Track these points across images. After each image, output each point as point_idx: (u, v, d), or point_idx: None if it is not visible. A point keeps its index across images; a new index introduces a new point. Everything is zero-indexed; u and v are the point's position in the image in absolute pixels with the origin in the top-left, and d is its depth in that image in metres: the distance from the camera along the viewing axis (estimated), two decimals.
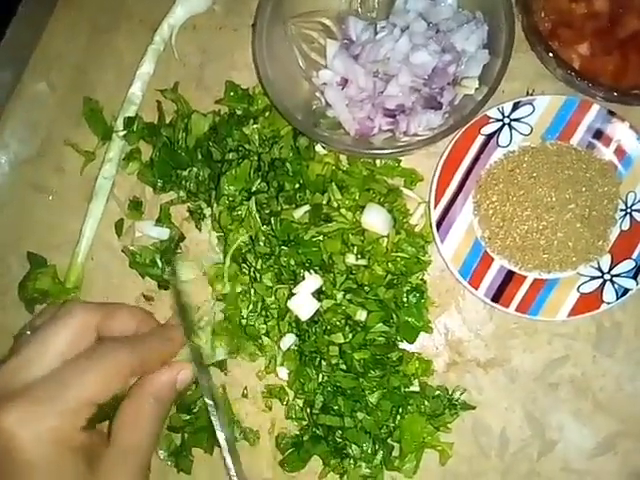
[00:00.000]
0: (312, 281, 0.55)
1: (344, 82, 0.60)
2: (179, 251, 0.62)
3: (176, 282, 0.59)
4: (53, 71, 0.69)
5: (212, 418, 0.52)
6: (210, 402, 0.52)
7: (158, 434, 0.48)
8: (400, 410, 0.56)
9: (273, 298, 0.57)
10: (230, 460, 0.51)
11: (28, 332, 0.47)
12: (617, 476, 0.57)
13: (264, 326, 0.56)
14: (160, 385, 0.48)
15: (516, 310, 0.58)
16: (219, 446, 0.52)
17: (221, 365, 0.60)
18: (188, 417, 0.59)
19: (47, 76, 0.69)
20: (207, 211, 0.62)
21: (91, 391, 0.42)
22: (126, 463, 0.45)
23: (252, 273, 0.57)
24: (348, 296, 0.56)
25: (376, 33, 0.59)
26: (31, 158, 0.68)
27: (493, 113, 0.59)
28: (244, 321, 0.57)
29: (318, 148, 0.61)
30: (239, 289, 0.58)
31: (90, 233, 0.64)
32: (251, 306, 0.57)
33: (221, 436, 0.51)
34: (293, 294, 0.55)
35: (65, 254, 0.64)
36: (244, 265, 0.57)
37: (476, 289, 0.58)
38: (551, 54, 0.57)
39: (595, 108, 0.59)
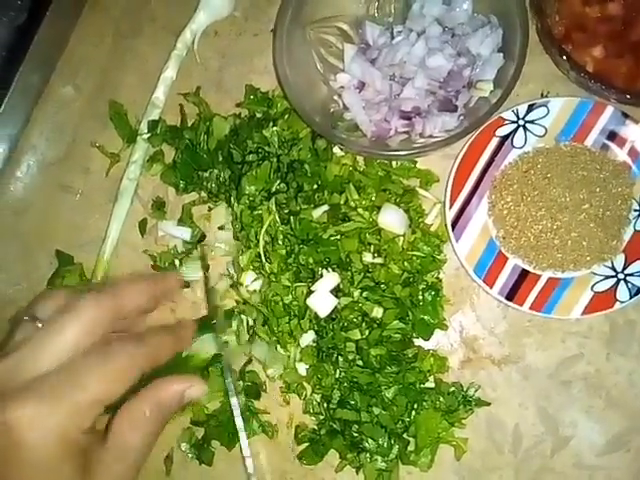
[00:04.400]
0: (330, 279, 0.57)
1: (361, 85, 0.61)
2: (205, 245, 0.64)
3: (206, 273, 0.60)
4: (79, 75, 0.71)
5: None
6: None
7: (155, 439, 0.46)
8: (415, 406, 0.57)
9: (291, 297, 0.58)
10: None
11: (26, 318, 0.45)
12: (628, 472, 0.58)
13: (287, 325, 0.58)
14: (168, 394, 0.46)
15: (530, 308, 0.58)
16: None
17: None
18: (211, 411, 0.60)
19: (74, 80, 0.71)
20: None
21: (99, 391, 0.41)
22: (119, 464, 0.43)
23: (273, 272, 0.58)
24: (365, 294, 0.57)
25: (393, 37, 0.61)
26: (58, 159, 0.70)
27: (508, 115, 0.60)
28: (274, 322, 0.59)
29: (336, 150, 0.62)
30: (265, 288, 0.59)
31: (115, 232, 0.66)
32: (273, 304, 0.58)
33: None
34: (312, 292, 0.57)
35: (91, 252, 0.66)
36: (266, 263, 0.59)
37: (491, 287, 0.59)
38: (565, 57, 0.57)
39: (609, 110, 0.59)
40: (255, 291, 0.60)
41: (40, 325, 0.44)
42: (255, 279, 0.60)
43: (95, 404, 0.41)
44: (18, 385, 0.40)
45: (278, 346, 0.59)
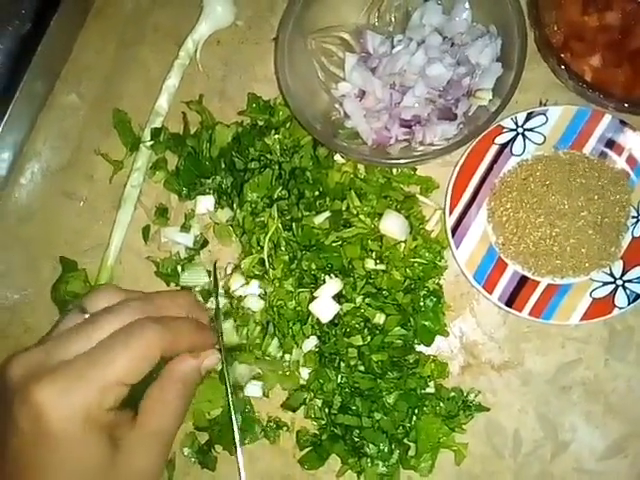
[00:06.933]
0: (333, 285, 0.57)
1: (362, 94, 0.62)
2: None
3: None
4: (83, 83, 0.72)
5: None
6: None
7: (182, 417, 0.49)
8: (416, 411, 0.58)
9: (294, 302, 0.59)
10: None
11: (74, 308, 0.48)
12: (627, 477, 0.58)
13: (290, 330, 0.58)
14: (186, 371, 0.50)
15: (529, 314, 0.59)
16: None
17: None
18: (215, 416, 0.61)
19: (77, 88, 0.72)
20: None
21: (119, 371, 0.43)
22: (150, 444, 0.46)
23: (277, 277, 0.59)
24: (367, 300, 0.57)
25: (393, 47, 0.61)
26: (62, 167, 0.70)
27: (507, 123, 0.61)
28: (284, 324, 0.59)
29: (337, 157, 0.63)
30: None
31: (118, 238, 0.66)
32: (280, 308, 0.59)
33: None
34: (314, 297, 0.57)
35: (95, 258, 0.67)
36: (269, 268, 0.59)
37: (490, 294, 0.59)
38: (563, 66, 0.58)
39: (607, 118, 0.60)
40: (241, 297, 0.60)
41: (86, 316, 0.48)
42: (243, 285, 0.60)
43: (118, 383, 0.44)
44: (47, 369, 0.43)
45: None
